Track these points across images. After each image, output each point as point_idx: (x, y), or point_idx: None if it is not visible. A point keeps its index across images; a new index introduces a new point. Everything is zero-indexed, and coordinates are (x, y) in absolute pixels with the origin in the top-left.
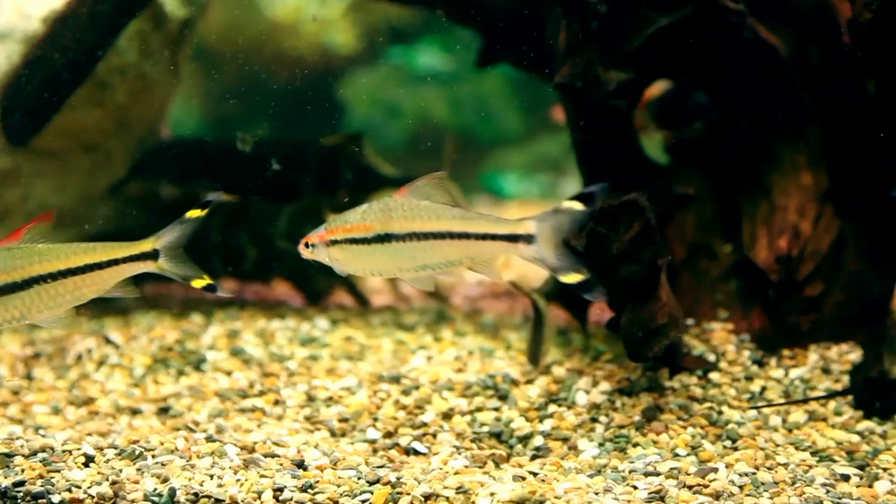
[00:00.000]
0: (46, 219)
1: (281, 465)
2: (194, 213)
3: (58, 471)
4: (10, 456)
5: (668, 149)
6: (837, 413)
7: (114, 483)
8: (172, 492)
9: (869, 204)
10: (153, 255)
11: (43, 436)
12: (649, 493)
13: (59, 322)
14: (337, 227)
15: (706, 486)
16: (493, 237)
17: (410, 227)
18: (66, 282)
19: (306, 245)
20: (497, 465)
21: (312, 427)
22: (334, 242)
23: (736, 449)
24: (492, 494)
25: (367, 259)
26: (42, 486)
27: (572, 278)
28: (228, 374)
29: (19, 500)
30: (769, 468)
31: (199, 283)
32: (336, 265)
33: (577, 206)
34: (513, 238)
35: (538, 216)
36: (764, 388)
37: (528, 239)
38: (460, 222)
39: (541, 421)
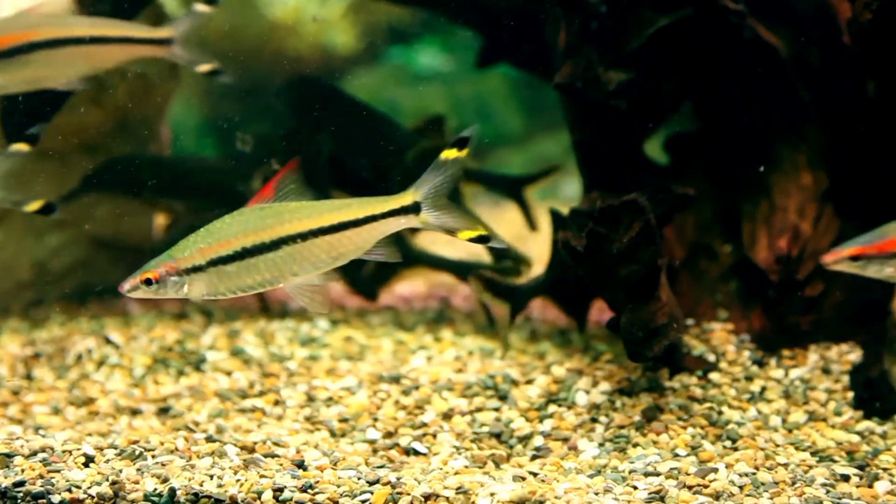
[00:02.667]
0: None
1: (281, 465)
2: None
3: (58, 471)
4: (10, 456)
5: (668, 148)
6: (837, 413)
7: (114, 483)
8: (172, 492)
9: (869, 204)
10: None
11: (43, 436)
12: (649, 494)
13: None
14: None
15: (706, 487)
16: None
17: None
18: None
19: (147, 282)
20: (497, 466)
21: (312, 427)
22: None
23: (736, 449)
24: (492, 495)
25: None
26: (42, 486)
27: (468, 234)
28: (228, 374)
29: (19, 500)
30: (769, 468)
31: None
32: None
33: (454, 154)
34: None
35: (417, 183)
36: (764, 389)
37: (415, 208)
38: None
39: (541, 421)
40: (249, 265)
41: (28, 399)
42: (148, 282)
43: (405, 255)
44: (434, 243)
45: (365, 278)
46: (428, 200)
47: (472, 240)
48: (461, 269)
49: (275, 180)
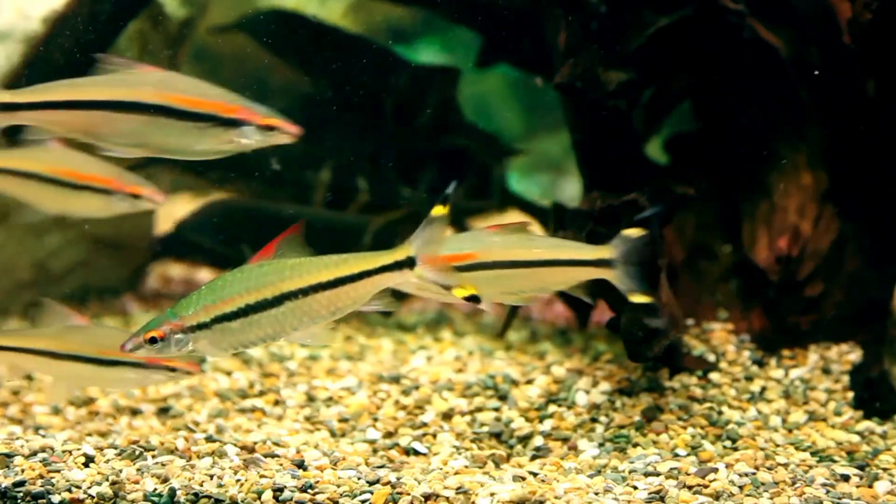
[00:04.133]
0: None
1: (281, 465)
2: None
3: (58, 471)
4: (10, 456)
5: (668, 148)
6: (837, 413)
7: (114, 483)
8: (172, 492)
9: (869, 204)
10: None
11: (43, 436)
12: (649, 494)
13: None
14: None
15: (706, 487)
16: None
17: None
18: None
19: (151, 341)
20: (497, 466)
21: (312, 427)
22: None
23: (736, 449)
24: (492, 494)
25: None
26: (42, 486)
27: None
28: (228, 374)
29: (19, 500)
30: (769, 468)
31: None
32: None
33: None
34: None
35: (411, 238)
36: (764, 389)
37: (409, 263)
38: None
39: (541, 421)
40: (252, 321)
41: (28, 399)
42: (152, 340)
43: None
44: None
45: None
46: (423, 255)
47: (465, 298)
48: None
49: (276, 242)
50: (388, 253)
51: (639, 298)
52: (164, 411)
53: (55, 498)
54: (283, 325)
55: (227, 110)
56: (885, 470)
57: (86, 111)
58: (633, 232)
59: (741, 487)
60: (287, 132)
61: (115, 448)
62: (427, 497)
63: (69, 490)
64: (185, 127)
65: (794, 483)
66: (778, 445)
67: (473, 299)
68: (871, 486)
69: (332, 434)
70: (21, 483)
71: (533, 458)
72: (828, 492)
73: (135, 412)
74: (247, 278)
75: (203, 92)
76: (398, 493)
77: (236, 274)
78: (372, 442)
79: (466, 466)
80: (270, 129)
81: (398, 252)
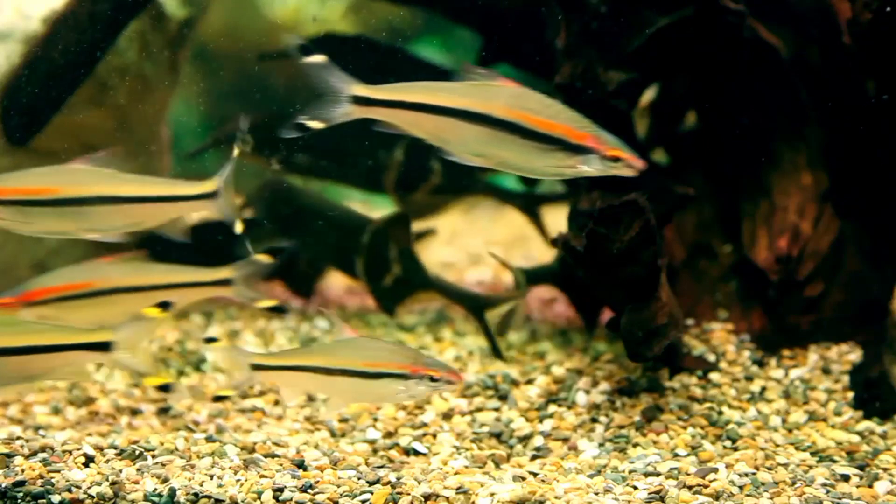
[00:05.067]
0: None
1: (281, 465)
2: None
3: (58, 471)
4: (10, 456)
5: (668, 148)
6: (837, 413)
7: (114, 483)
8: (172, 492)
9: (869, 204)
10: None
11: (43, 436)
12: (649, 494)
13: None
14: None
15: (706, 487)
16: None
17: None
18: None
19: None
20: (497, 466)
21: (312, 427)
22: None
23: (736, 449)
24: (492, 494)
25: None
26: (42, 486)
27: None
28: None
29: (19, 500)
30: (769, 468)
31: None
32: None
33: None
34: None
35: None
36: (764, 389)
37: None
38: None
39: (541, 421)
40: None
41: (28, 399)
42: None
43: (422, 278)
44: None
45: (386, 292)
46: (124, 341)
47: (157, 387)
48: (470, 301)
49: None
50: (90, 332)
51: (264, 303)
52: (164, 411)
53: (55, 498)
54: None
55: (575, 136)
56: (885, 470)
57: (435, 115)
58: (262, 258)
59: (741, 487)
60: (632, 166)
61: (115, 448)
62: (427, 497)
63: (69, 490)
64: (530, 146)
65: (794, 483)
66: (778, 445)
67: (165, 388)
68: (871, 486)
69: (332, 434)
70: (21, 483)
71: (533, 458)
72: (828, 492)
73: (135, 412)
74: None
75: (554, 114)
76: (398, 493)
77: None
78: (372, 442)
79: (466, 466)
80: (615, 160)
81: (98, 334)
